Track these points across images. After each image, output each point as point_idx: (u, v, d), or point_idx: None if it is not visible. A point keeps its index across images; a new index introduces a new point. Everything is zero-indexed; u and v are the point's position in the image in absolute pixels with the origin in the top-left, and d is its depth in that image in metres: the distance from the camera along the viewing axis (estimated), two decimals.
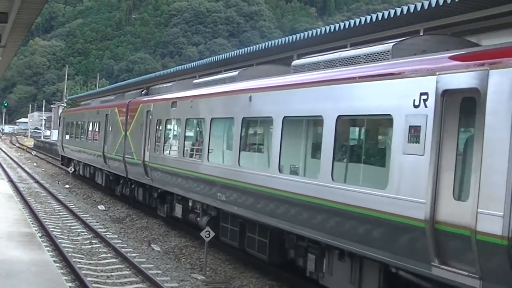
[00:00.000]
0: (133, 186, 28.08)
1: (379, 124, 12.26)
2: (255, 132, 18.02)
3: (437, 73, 9.98)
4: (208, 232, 17.48)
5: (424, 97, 10.14)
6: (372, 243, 11.28)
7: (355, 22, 18.13)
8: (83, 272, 16.62)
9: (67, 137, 45.06)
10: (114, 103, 32.93)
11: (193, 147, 21.20)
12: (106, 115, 32.62)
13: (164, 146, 23.60)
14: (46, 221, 24.68)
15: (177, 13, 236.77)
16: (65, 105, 66.98)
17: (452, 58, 10.10)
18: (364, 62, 12.78)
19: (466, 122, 9.70)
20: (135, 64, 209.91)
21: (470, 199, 9.16)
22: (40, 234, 20.87)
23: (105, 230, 24.11)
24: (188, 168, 20.35)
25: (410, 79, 10.60)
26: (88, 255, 19.42)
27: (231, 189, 17.06)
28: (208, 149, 19.00)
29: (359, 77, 12.16)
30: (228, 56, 27.89)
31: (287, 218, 14.25)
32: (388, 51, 12.25)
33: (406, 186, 10.51)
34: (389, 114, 11.00)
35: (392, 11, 16.53)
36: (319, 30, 20.29)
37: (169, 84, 27.10)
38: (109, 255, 19.59)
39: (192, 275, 17.27)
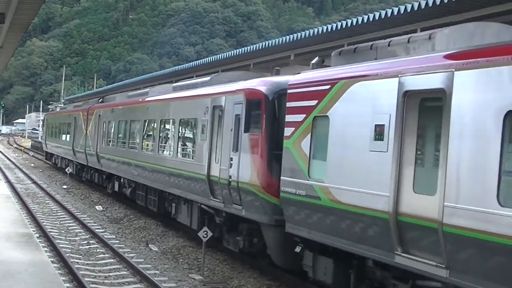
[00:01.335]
0: (91, 172, 37.06)
1: None
2: (151, 128, 25.33)
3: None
4: (205, 232, 17.47)
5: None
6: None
7: (352, 22, 18.16)
8: (80, 272, 16.60)
9: (49, 136, 54.59)
10: (80, 108, 41.59)
11: (120, 140, 29.75)
12: (75, 117, 41.45)
13: (107, 140, 32.28)
14: (43, 222, 24.66)
15: (174, 13, 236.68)
16: (62, 105, 66.91)
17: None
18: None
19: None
20: (133, 65, 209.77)
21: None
22: (37, 235, 20.87)
23: (102, 230, 24.10)
24: (118, 155, 29.51)
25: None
26: (85, 256, 19.41)
27: (139, 167, 25.79)
28: (129, 141, 28.08)
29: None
30: (225, 56, 27.90)
31: (164, 183, 22.55)
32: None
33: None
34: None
35: (389, 11, 16.57)
36: (316, 30, 20.32)
37: (114, 95, 37.34)
38: (106, 255, 19.58)
39: (190, 275, 17.26)
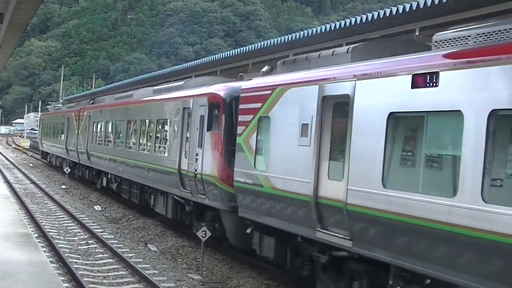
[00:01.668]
0: (83, 169, 39.49)
1: None
2: (133, 128, 27.92)
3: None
4: (204, 232, 17.49)
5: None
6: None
7: (351, 22, 18.15)
8: (79, 272, 16.61)
9: (44, 135, 57.19)
10: (73, 109, 44.14)
11: (108, 139, 32.16)
12: (68, 118, 43.90)
13: (96, 139, 34.72)
14: (42, 222, 24.66)
15: (173, 13, 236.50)
16: (61, 105, 66.94)
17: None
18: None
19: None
20: (131, 65, 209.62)
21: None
22: (36, 235, 20.86)
23: (101, 230, 24.10)
24: (106, 152, 31.93)
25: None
26: (84, 256, 19.41)
27: (123, 164, 28.30)
28: (115, 140, 30.35)
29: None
30: (224, 56, 27.90)
31: (144, 177, 25.08)
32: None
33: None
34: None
35: (388, 10, 16.55)
36: (314, 29, 20.31)
37: (104, 97, 40.05)
38: (105, 255, 19.58)
39: (188, 275, 17.27)
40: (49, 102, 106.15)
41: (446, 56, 10.38)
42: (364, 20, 17.39)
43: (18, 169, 51.74)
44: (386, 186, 11.00)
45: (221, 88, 18.96)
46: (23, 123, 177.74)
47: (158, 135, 24.25)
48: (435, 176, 10.55)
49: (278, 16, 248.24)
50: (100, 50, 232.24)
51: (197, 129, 19.55)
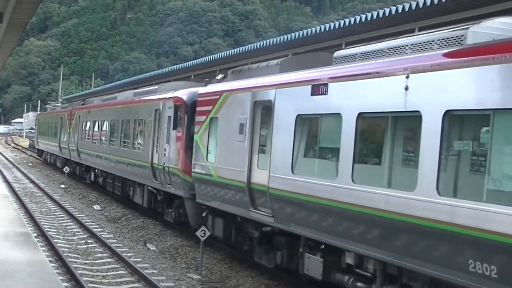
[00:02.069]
0: (73, 165, 42.11)
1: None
2: (116, 127, 30.83)
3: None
4: (203, 232, 17.51)
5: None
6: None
7: (350, 21, 18.17)
8: (78, 272, 16.61)
9: (39, 134, 60.93)
10: (65, 109, 47.38)
11: (95, 137, 35.12)
12: (61, 118, 46.90)
13: (85, 137, 37.70)
14: (41, 221, 24.66)
15: (172, 13, 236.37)
16: (60, 105, 67.01)
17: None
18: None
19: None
20: (130, 64, 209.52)
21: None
22: (35, 234, 20.86)
23: (100, 229, 24.10)
24: (93, 149, 35.05)
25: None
26: (83, 255, 19.41)
27: (107, 159, 31.47)
28: (101, 138, 33.64)
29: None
30: (223, 56, 27.91)
31: (124, 171, 28.22)
32: None
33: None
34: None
35: (387, 10, 16.57)
36: (314, 29, 20.33)
37: (93, 98, 44.45)
38: (104, 254, 19.59)
39: (187, 274, 17.27)
40: (48, 102, 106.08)
41: (332, 71, 13.41)
42: (363, 20, 17.41)
43: (17, 168, 51.73)
44: (294, 173, 14.03)
45: (185, 93, 21.80)
46: (22, 122, 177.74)
47: (136, 133, 27.26)
48: (326, 164, 13.61)
49: (277, 15, 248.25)
50: (99, 49, 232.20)
51: (165, 128, 22.56)
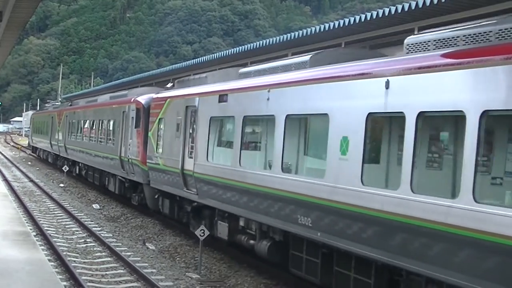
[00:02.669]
0: (62, 160, 46.03)
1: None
2: (95, 126, 35.59)
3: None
4: (203, 231, 17.51)
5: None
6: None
7: (349, 21, 18.16)
8: (77, 271, 16.61)
9: (33, 132, 66.42)
10: (56, 110, 52.67)
11: (79, 135, 39.75)
12: (52, 117, 51.72)
13: (70, 135, 42.42)
14: (40, 220, 24.67)
15: (172, 12, 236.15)
16: (59, 104, 67.12)
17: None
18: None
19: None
20: (130, 63, 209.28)
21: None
22: (34, 233, 20.86)
23: (99, 229, 24.11)
24: (77, 145, 39.42)
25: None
26: (82, 254, 19.42)
27: (88, 154, 35.83)
28: (83, 135, 38.23)
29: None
30: (222, 55, 27.90)
31: (101, 164, 32.65)
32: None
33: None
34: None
35: (387, 10, 16.56)
36: (313, 28, 20.32)
37: (78, 100, 50.24)
38: (103, 254, 19.59)
39: (186, 273, 17.28)
40: (48, 101, 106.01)
41: (230, 85, 17.78)
42: (362, 19, 17.39)
43: (17, 167, 51.74)
44: (208, 160, 18.44)
45: (145, 98, 26.42)
46: (21, 121, 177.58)
47: (109, 131, 31.85)
48: (227, 153, 17.71)
49: (277, 15, 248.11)
50: (99, 48, 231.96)
51: (130, 126, 27.32)
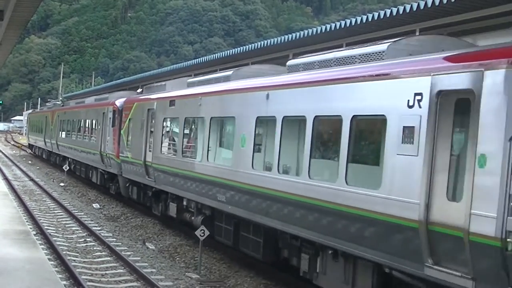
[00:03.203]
0: (55, 156, 51.61)
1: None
2: (80, 124, 40.29)
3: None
4: (203, 231, 17.51)
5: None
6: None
7: (351, 22, 18.15)
8: (77, 270, 16.62)
9: (30, 131, 71.76)
10: (50, 110, 57.56)
11: (68, 133, 44.28)
12: (46, 117, 56.63)
13: (61, 133, 47.15)
14: (40, 219, 24.67)
15: (173, 12, 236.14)
16: (59, 103, 67.15)
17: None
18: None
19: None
20: (131, 63, 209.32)
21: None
22: (34, 232, 20.87)
23: (99, 228, 24.11)
24: (67, 142, 43.84)
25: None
26: (82, 253, 19.42)
27: (75, 150, 40.43)
28: (71, 133, 42.60)
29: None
30: (223, 55, 27.88)
31: (86, 159, 36.68)
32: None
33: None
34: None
35: (388, 11, 16.54)
36: (314, 29, 20.30)
37: (69, 101, 56.10)
38: (103, 253, 19.60)
39: (186, 273, 17.28)
40: (48, 100, 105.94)
41: (175, 93, 22.64)
42: (364, 20, 17.38)
43: (17, 166, 51.75)
44: (162, 152, 22.78)
45: (120, 101, 30.34)
46: (22, 120, 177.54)
47: (93, 129, 36.07)
48: (173, 146, 22.25)
49: (278, 15, 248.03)
50: (100, 48, 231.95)
51: (108, 125, 31.38)
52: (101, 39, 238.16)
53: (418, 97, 10.52)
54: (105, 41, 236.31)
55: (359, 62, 13.04)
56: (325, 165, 13.62)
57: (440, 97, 10.15)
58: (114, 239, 21.93)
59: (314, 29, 20.30)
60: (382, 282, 11.86)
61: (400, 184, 10.77)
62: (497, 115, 9.15)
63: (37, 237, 19.61)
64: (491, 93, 9.24)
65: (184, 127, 20.96)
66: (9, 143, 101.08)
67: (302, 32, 20.93)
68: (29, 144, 73.65)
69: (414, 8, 15.33)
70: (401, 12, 15.93)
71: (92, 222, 25.42)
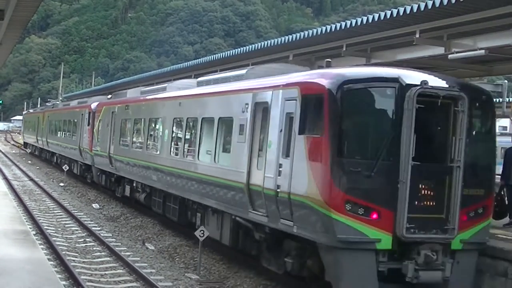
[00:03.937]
0: (46, 152, 56.84)
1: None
2: (68, 124, 44.86)
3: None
4: (202, 232, 17.51)
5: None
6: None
7: (351, 23, 18.18)
8: (77, 270, 16.62)
9: (25, 129, 78.59)
10: (41, 111, 63.90)
11: (57, 131, 49.48)
12: (38, 117, 61.76)
13: (51, 131, 51.80)
14: (40, 219, 24.67)
15: (173, 12, 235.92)
16: (59, 102, 67.23)
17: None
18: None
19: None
20: (131, 63, 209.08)
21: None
22: (34, 232, 20.86)
23: (99, 228, 24.11)
24: (56, 140, 48.92)
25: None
26: (82, 254, 19.42)
27: (63, 147, 45.28)
28: (61, 132, 47.75)
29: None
30: (224, 56, 27.92)
31: (72, 155, 41.97)
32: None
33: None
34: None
35: (388, 12, 16.57)
36: (315, 30, 20.34)
37: (58, 103, 65.40)
38: (103, 253, 19.60)
39: (186, 274, 17.28)
40: (48, 99, 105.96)
41: (131, 98, 29.00)
42: (364, 21, 17.41)
43: (17, 166, 51.75)
44: (120, 145, 27.96)
45: (95, 104, 35.48)
46: (21, 120, 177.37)
47: (74, 128, 40.99)
48: (121, 141, 28.34)
49: (278, 16, 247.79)
50: (100, 48, 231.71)
51: (85, 125, 36.69)
52: (101, 39, 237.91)
53: (247, 106, 16.02)
54: (105, 41, 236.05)
55: (232, 81, 18.73)
56: (206, 151, 18.90)
57: (256, 106, 15.67)
58: (114, 239, 21.92)
59: (314, 30, 20.33)
60: (235, 226, 17.06)
61: (238, 160, 16.22)
62: (276, 117, 14.52)
63: (36, 237, 19.60)
64: (276, 104, 14.66)
65: (134, 125, 27.22)
66: (9, 142, 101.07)
67: (302, 33, 20.97)
68: (24, 142, 79.40)
69: (415, 10, 15.37)
70: (401, 13, 15.97)
71: (92, 222, 25.42)
